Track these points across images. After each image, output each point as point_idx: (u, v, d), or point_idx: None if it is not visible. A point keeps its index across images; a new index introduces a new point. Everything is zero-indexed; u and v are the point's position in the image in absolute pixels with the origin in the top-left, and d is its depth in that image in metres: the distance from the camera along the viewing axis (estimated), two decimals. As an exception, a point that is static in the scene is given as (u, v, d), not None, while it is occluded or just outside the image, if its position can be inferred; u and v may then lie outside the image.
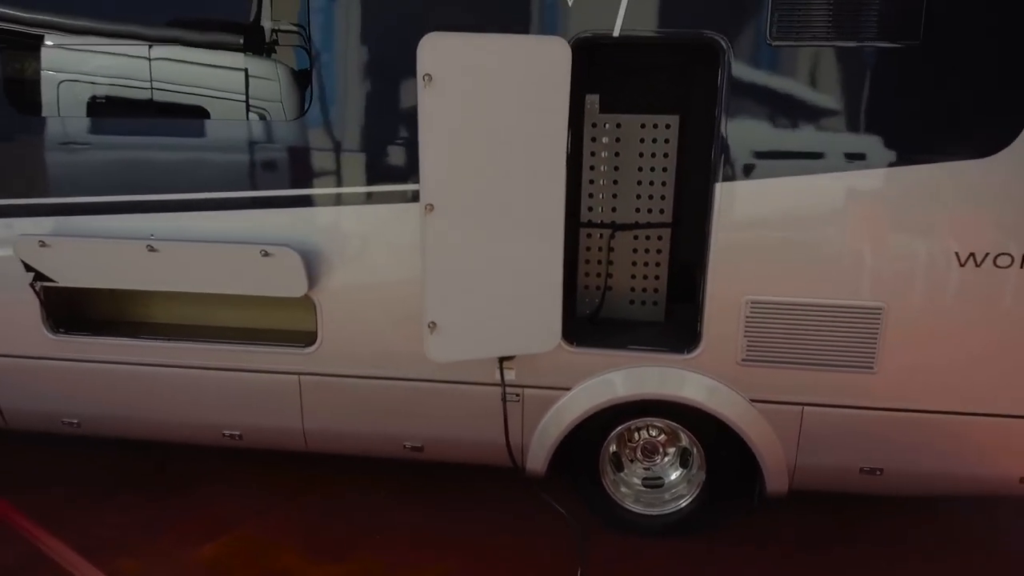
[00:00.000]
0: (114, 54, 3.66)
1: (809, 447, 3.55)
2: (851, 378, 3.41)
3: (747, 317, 3.38)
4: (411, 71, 3.02)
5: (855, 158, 3.19)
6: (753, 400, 3.51)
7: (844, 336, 3.35)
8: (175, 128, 3.61)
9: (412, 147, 3.32)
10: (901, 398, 3.42)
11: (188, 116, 3.62)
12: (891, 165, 3.17)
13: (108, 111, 3.71)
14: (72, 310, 4.04)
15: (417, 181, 3.18)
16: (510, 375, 3.60)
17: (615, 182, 3.90)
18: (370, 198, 3.52)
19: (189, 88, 3.64)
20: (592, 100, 3.79)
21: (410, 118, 3.32)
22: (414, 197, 3.40)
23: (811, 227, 3.27)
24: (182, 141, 3.59)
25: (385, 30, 3.37)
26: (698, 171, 3.63)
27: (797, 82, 3.17)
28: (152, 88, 3.63)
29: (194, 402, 3.93)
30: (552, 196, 3.23)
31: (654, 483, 3.95)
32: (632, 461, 3.97)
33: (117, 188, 3.65)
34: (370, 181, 3.51)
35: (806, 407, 3.49)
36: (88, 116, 3.71)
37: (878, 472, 3.54)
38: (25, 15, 3.62)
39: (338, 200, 3.56)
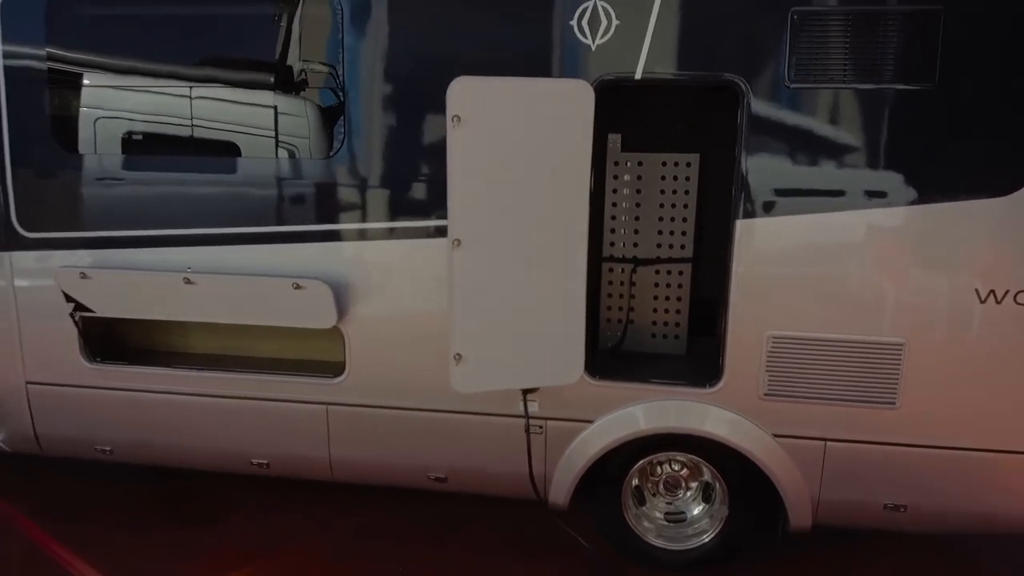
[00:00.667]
0: (152, 92, 3.83)
1: (832, 482, 3.55)
2: (873, 413, 3.42)
3: (769, 352, 3.42)
4: (437, 111, 3.13)
5: (874, 196, 3.25)
6: (776, 435, 3.53)
7: (866, 372, 3.38)
8: (212, 165, 3.76)
9: (436, 184, 3.44)
10: (924, 434, 3.42)
11: (223, 154, 3.77)
12: (910, 203, 3.23)
13: (145, 148, 3.87)
14: (108, 340, 4.17)
15: (440, 216, 3.27)
16: (533, 407, 3.64)
17: (636, 218, 3.99)
18: (395, 233, 3.63)
19: (223, 126, 3.79)
20: (614, 139, 3.90)
21: (434, 157, 3.45)
22: (437, 232, 3.51)
23: (831, 263, 3.33)
24: (219, 177, 3.73)
25: (413, 74, 3.51)
26: (718, 208, 3.71)
27: (815, 122, 3.25)
28: (188, 126, 3.78)
29: (224, 430, 4.02)
30: (575, 232, 3.31)
31: (676, 517, 3.95)
32: (654, 495, 3.98)
33: (155, 222, 3.80)
34: (396, 216, 3.62)
35: (829, 442, 3.50)
36: (127, 153, 3.87)
37: (902, 509, 3.53)
38: (70, 55, 3.81)
39: (365, 235, 3.67)
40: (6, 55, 3.83)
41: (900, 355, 3.34)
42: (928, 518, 3.56)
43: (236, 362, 4.03)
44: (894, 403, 3.39)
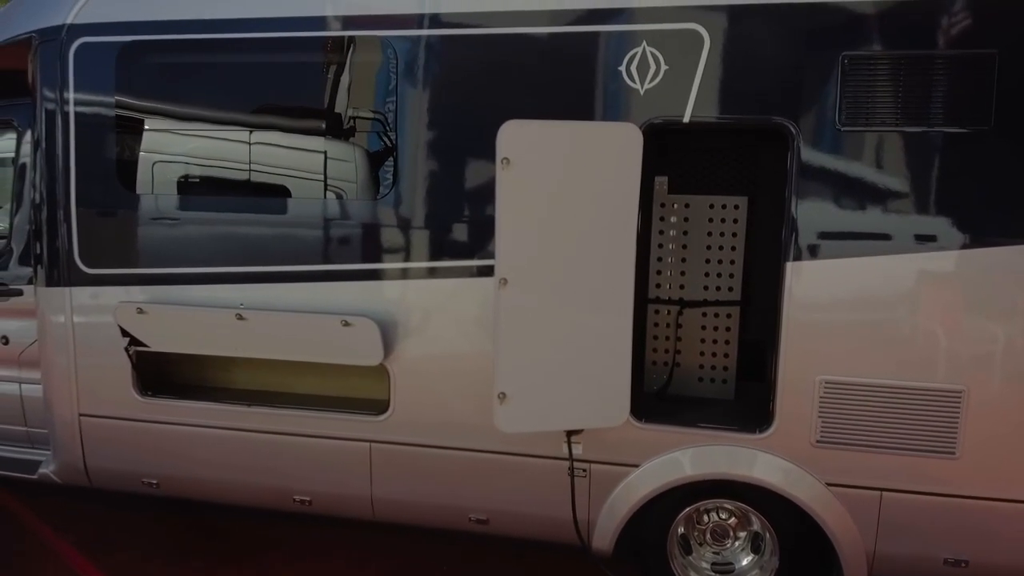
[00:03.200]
0: (210, 137, 3.98)
1: (889, 534, 3.41)
2: (932, 463, 3.30)
3: (821, 397, 3.34)
4: (486, 155, 3.19)
5: (927, 240, 3.19)
6: (829, 483, 3.42)
7: (923, 420, 3.28)
8: (265, 206, 3.87)
9: (482, 225, 3.49)
10: (985, 485, 3.29)
11: (275, 195, 3.88)
12: (964, 247, 3.17)
13: (200, 189, 4.01)
14: (158, 375, 4.26)
15: (484, 256, 3.31)
16: (577, 449, 3.60)
17: (683, 260, 3.98)
18: (441, 272, 3.67)
19: (277, 169, 3.91)
20: (661, 181, 3.92)
21: (479, 199, 3.53)
22: (481, 272, 3.55)
23: (884, 308, 3.26)
24: (271, 218, 3.84)
25: (462, 119, 3.59)
26: (767, 250, 3.69)
27: (866, 165, 3.23)
28: (244, 169, 3.90)
29: (268, 466, 4.05)
30: (622, 273, 3.32)
31: (724, 568, 3.83)
32: (701, 544, 3.87)
33: (209, 260, 3.90)
34: (442, 256, 3.67)
35: (885, 492, 3.38)
36: (183, 194, 4.01)
37: (963, 564, 3.37)
38: (134, 102, 3.99)
39: (412, 274, 3.72)
40: (77, 102, 4.03)
41: (959, 403, 3.23)
42: (990, 574, 3.39)
43: (281, 398, 4.08)
44: (954, 452, 3.27)
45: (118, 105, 4.01)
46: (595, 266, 3.30)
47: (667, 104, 3.36)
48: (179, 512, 4.70)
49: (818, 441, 3.38)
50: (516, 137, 3.17)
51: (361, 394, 4.03)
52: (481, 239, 3.57)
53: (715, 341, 4.00)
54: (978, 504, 3.30)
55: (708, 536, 3.86)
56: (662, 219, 3.97)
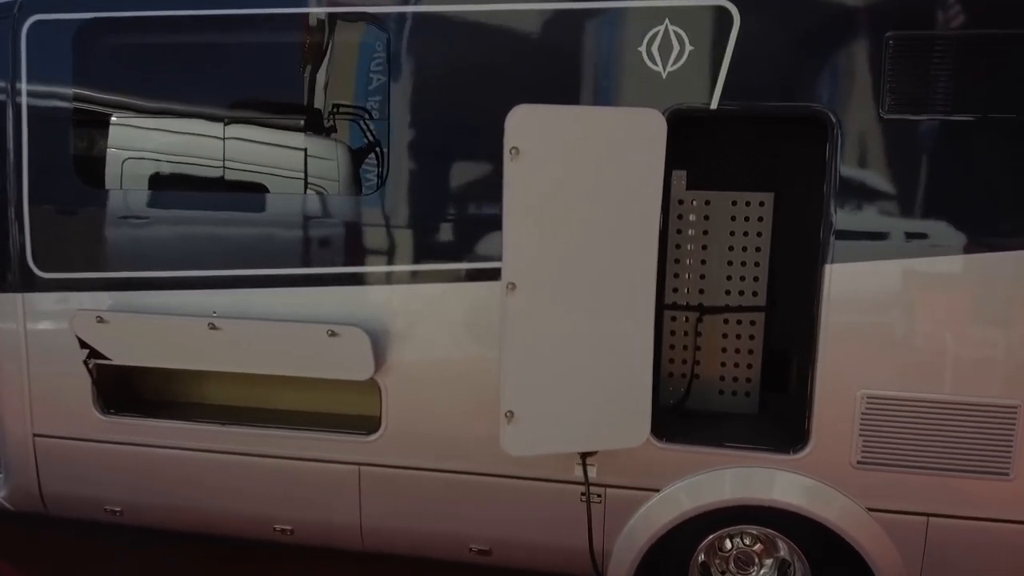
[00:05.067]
0: (180, 128, 3.58)
1: (936, 564, 3.11)
2: (984, 485, 3.01)
3: (863, 414, 3.03)
4: (495, 143, 2.84)
5: (982, 238, 2.90)
6: (871, 509, 3.10)
7: (975, 438, 2.98)
8: (242, 203, 3.48)
9: (492, 224, 3.13)
10: (1043, 510, 2.99)
11: (253, 192, 3.49)
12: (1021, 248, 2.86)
13: (169, 185, 3.60)
14: (123, 389, 3.84)
15: (493, 259, 2.97)
16: (592, 472, 3.25)
17: (703, 262, 3.65)
18: (441, 276, 3.31)
19: (254, 164, 3.51)
20: (679, 176, 3.60)
21: (489, 194, 3.17)
22: (482, 275, 3.21)
23: (934, 315, 2.96)
24: (249, 216, 3.45)
25: (464, 106, 3.24)
26: (796, 251, 3.38)
27: (914, 156, 2.92)
28: (219, 163, 3.51)
29: (245, 492, 3.65)
30: (643, 276, 2.98)
31: (749, 599, 3.51)
32: (723, 573, 3.53)
33: (179, 263, 3.50)
34: (442, 258, 3.31)
35: (932, 518, 3.07)
36: (152, 189, 3.60)
37: (1018, 597, 3.07)
38: (94, 88, 3.59)
39: (408, 278, 3.35)
40: (31, 87, 3.61)
41: (1015, 419, 2.93)
42: (1048, 608, 3.09)
43: (260, 415, 3.68)
44: (1007, 473, 2.97)
45: (76, 91, 3.61)
46: (613, 269, 2.96)
47: (692, 89, 3.03)
48: (147, 542, 4.26)
49: (859, 462, 3.07)
50: (526, 124, 2.82)
51: (350, 411, 3.65)
52: (486, 239, 3.22)
53: (737, 350, 3.68)
54: (1033, 530, 3.01)
55: (731, 564, 3.52)
56: (680, 217, 3.64)
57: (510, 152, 2.81)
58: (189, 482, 3.70)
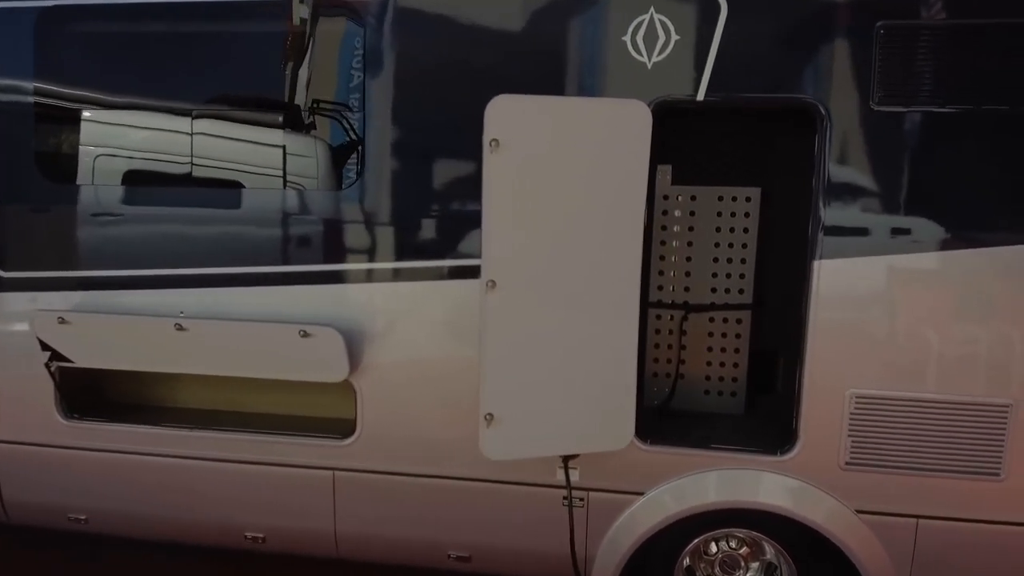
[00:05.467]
0: (147, 121, 3.43)
1: (926, 567, 3.04)
2: (975, 486, 2.94)
3: (852, 414, 2.95)
4: (475, 135, 2.73)
5: (975, 233, 2.82)
6: (860, 511, 3.03)
7: (965, 437, 2.91)
8: (211, 199, 3.33)
9: (470, 220, 3.02)
10: (1034, 511, 2.93)
11: (222, 187, 3.35)
12: (1016, 243, 2.79)
13: (135, 180, 3.44)
14: (88, 393, 3.68)
15: (467, 255, 2.90)
16: (574, 475, 3.15)
17: (688, 259, 3.56)
18: (418, 274, 3.19)
19: (225, 158, 3.37)
20: (664, 171, 3.50)
21: (465, 189, 3.07)
22: (461, 273, 3.10)
23: (925, 312, 2.88)
24: (218, 213, 3.30)
25: (442, 97, 3.12)
26: (783, 248, 3.31)
27: (906, 149, 2.84)
28: (188, 157, 3.36)
29: (215, 499, 3.51)
30: (627, 274, 2.89)
31: (735, 604, 3.42)
32: (709, 577, 3.46)
33: (145, 261, 3.35)
34: (420, 256, 3.19)
35: (921, 520, 3.01)
36: (119, 185, 3.44)
37: (1009, 599, 3.02)
38: (57, 78, 3.43)
39: (384, 276, 3.23)
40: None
41: (1006, 418, 2.87)
42: (1039, 610, 3.04)
43: (231, 419, 3.54)
44: (999, 474, 2.91)
45: (38, 81, 3.44)
46: (597, 266, 2.86)
47: (678, 80, 2.93)
48: (113, 549, 4.10)
49: (847, 463, 3.00)
50: (507, 114, 2.70)
51: (326, 414, 3.52)
52: (466, 236, 3.10)
53: (723, 349, 3.60)
54: (1023, 531, 2.95)
55: (716, 568, 3.44)
56: (665, 213, 3.54)
57: (490, 144, 2.70)
58: (156, 489, 3.55)
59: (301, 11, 3.19)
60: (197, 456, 3.48)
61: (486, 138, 2.69)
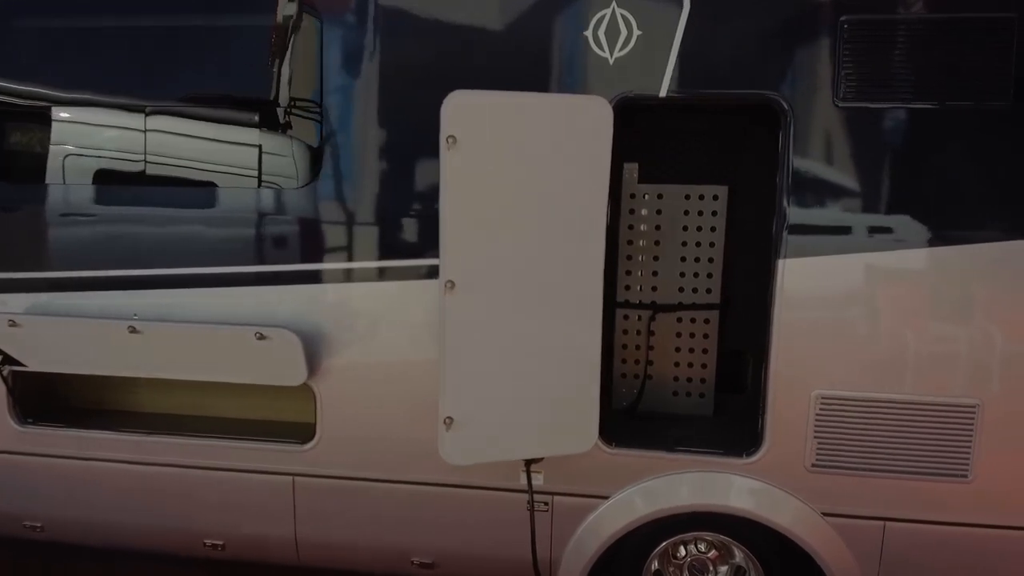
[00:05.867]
0: (97, 118, 3.33)
1: (893, 569, 3.00)
2: (942, 488, 2.91)
3: (817, 415, 2.91)
4: (431, 132, 2.66)
5: (941, 231, 2.78)
6: (825, 513, 2.99)
7: (932, 439, 2.87)
8: (167, 197, 3.24)
9: (429, 219, 2.96)
10: (1002, 512, 2.90)
11: (176, 184, 3.26)
12: (983, 240, 2.76)
13: (86, 178, 3.33)
14: (43, 397, 3.58)
15: (428, 255, 2.81)
16: (538, 479, 3.09)
17: (656, 258, 3.52)
18: (379, 274, 3.12)
19: (177, 153, 3.27)
20: (630, 169, 3.45)
21: (424, 187, 3.02)
22: (422, 273, 3.03)
23: (891, 311, 2.85)
24: (170, 212, 3.22)
25: (401, 91, 3.05)
26: (751, 247, 3.27)
27: (870, 147, 2.80)
28: (139, 152, 3.26)
29: (173, 506, 3.42)
30: (590, 274, 2.83)
31: (704, 607, 3.37)
32: (678, 581, 3.40)
33: (98, 262, 3.26)
34: (380, 255, 3.11)
35: (888, 522, 2.97)
36: (63, 184, 3.33)
37: (976, 601, 2.98)
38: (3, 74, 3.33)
39: (343, 276, 3.15)
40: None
41: (973, 419, 2.83)
42: (1006, 613, 3.00)
43: (192, 423, 3.46)
44: (966, 475, 2.87)
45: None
46: (559, 265, 2.80)
47: (640, 76, 2.88)
48: (72, 557, 4.00)
49: (813, 465, 2.95)
50: (463, 111, 2.64)
51: (289, 417, 3.44)
52: (427, 235, 3.03)
53: (692, 350, 3.55)
54: (993, 534, 2.92)
55: (685, 572, 3.39)
56: (632, 212, 3.50)
57: (446, 141, 2.64)
58: (113, 495, 3.46)
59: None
60: (154, 462, 3.39)
61: (442, 135, 2.63)
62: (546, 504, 3.16)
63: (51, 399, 3.63)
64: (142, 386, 3.60)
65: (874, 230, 2.81)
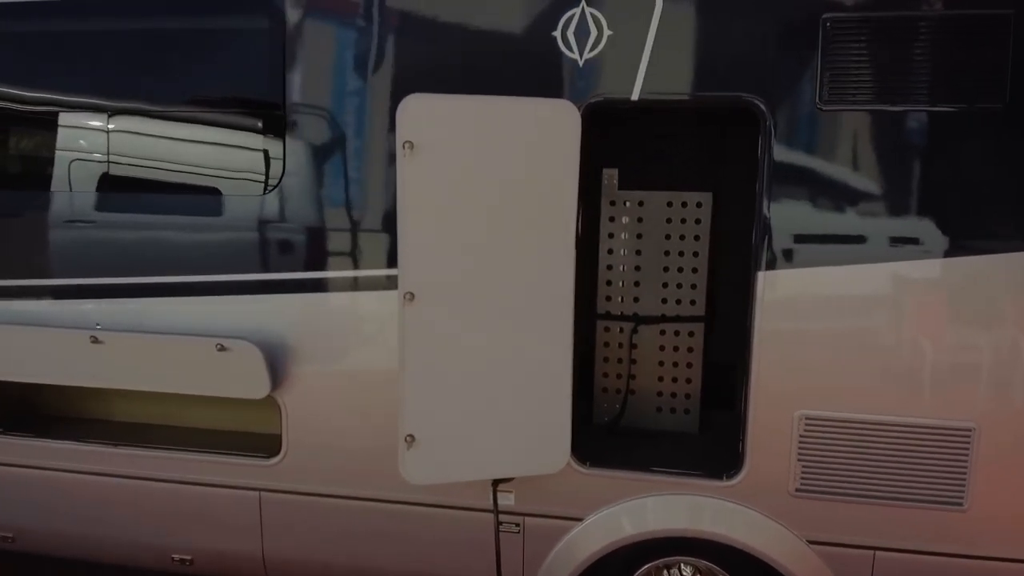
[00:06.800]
0: (53, 121, 3.26)
1: (883, 602, 2.82)
2: (935, 516, 2.72)
3: (801, 436, 2.74)
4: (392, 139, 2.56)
5: (932, 243, 2.60)
6: (811, 541, 2.81)
7: (925, 463, 2.69)
8: (127, 203, 3.18)
9: (393, 226, 2.85)
10: (999, 543, 2.71)
11: (145, 190, 3.19)
12: (979, 252, 2.58)
13: (42, 183, 3.27)
14: (11, 406, 3.54)
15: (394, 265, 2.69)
16: (507, 500, 2.97)
17: (637, 268, 3.38)
18: (347, 283, 3.01)
19: (137, 157, 3.19)
20: (610, 175, 3.32)
21: (390, 194, 2.89)
22: (389, 283, 2.93)
23: (879, 328, 2.67)
24: (134, 218, 3.15)
25: (362, 95, 2.94)
26: (736, 257, 3.12)
27: (855, 152, 2.63)
28: (102, 154, 3.20)
29: (140, 519, 3.35)
30: (559, 285, 2.70)
31: (685, 636, 3.21)
32: (658, 607, 3.24)
33: (60, 270, 3.21)
34: (347, 264, 3.01)
35: (878, 552, 2.78)
36: (20, 189, 3.30)
37: (972, 638, 2.79)
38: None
39: (311, 285, 3.05)
40: None
41: (968, 443, 2.64)
42: (1007, 651, 2.80)
43: (161, 433, 3.39)
44: (961, 503, 2.68)
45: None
46: (525, 277, 2.68)
47: (612, 78, 2.74)
48: (51, 569, 3.96)
49: (797, 490, 2.78)
50: (421, 115, 2.53)
51: (259, 429, 3.35)
52: (394, 243, 2.91)
53: (676, 364, 3.40)
54: (990, 566, 2.72)
55: (666, 598, 3.23)
56: (612, 220, 3.36)
57: (403, 147, 2.53)
58: (80, 507, 3.39)
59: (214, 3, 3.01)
60: (121, 474, 3.32)
61: (399, 140, 2.53)
62: (517, 525, 3.02)
63: (19, 407, 3.58)
64: (111, 394, 3.54)
65: (858, 240, 2.64)
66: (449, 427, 2.72)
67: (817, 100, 2.61)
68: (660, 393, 3.42)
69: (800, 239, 2.68)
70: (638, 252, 3.36)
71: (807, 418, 2.73)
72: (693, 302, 3.33)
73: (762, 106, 2.64)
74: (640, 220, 3.33)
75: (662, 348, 3.39)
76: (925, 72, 2.55)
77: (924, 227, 2.59)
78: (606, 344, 3.43)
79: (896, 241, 2.62)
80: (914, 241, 2.60)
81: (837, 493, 2.75)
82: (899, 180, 2.60)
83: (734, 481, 2.83)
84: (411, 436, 2.69)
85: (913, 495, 2.70)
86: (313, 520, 3.18)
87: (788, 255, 2.67)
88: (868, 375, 2.68)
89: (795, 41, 2.61)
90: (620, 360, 3.42)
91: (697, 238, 3.29)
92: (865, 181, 2.63)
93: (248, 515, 3.23)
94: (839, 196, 2.65)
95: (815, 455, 2.74)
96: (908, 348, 2.66)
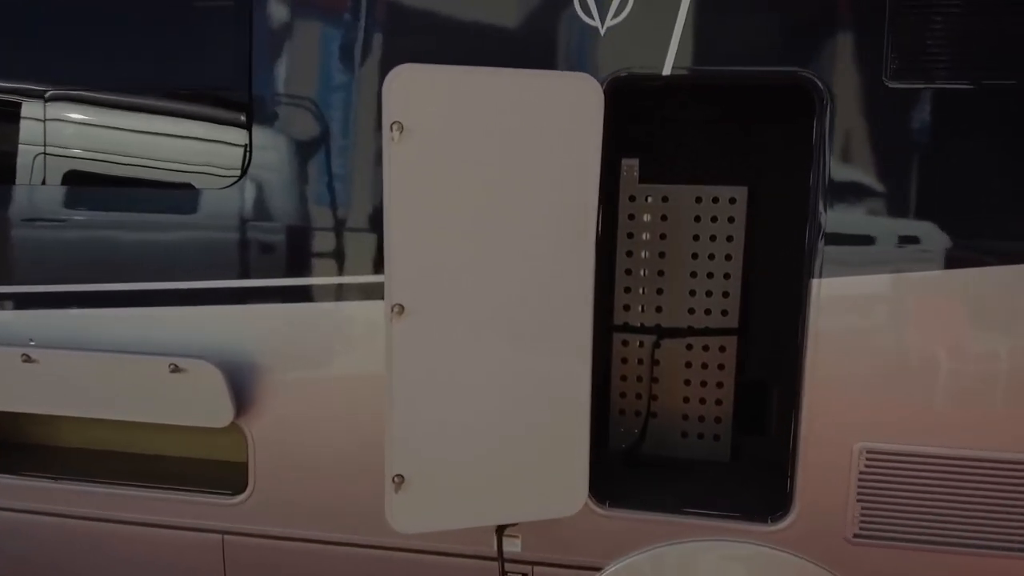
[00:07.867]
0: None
1: (954, 666, 2.42)
2: (1015, 565, 2.36)
3: (861, 473, 2.37)
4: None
5: (1013, 245, 2.21)
6: (872, 596, 2.42)
7: (1006, 505, 2.32)
8: (66, 199, 2.73)
9: (377, 229, 2.45)
10: (1091, 597, 2.32)
11: (77, 183, 2.74)
12: (1077, 255, 2.18)
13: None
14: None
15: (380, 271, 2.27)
16: (514, 546, 2.57)
17: (660, 273, 3.03)
18: (322, 293, 2.59)
19: (81, 146, 2.75)
20: (630, 166, 2.96)
21: (374, 193, 2.49)
22: (373, 293, 2.51)
23: (958, 347, 2.29)
24: (74, 216, 2.72)
25: (349, 71, 2.52)
26: (776, 260, 2.77)
27: (928, 136, 2.23)
28: (39, 144, 2.75)
29: (86, 564, 2.92)
30: (576, 293, 2.31)
31: None
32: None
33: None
34: (325, 270, 2.58)
35: (951, 608, 2.40)
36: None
37: None
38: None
39: (281, 295, 2.61)
40: None
41: (1058, 482, 2.26)
42: None
43: (110, 464, 2.95)
44: (1049, 551, 2.29)
45: None
46: (537, 285, 2.28)
47: (639, 50, 2.35)
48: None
49: (856, 535, 2.40)
50: (412, 91, 2.11)
51: (231, 458, 2.92)
52: (380, 245, 2.49)
53: (704, 383, 3.03)
54: (1082, 625, 2.33)
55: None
56: (631, 217, 3.01)
57: (391, 129, 2.11)
58: (18, 550, 2.95)
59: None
60: (63, 513, 2.88)
61: (386, 121, 2.11)
62: (525, 575, 2.61)
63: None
64: (52, 416, 3.08)
65: (931, 242, 2.24)
66: (445, 465, 2.31)
67: (884, 76, 2.21)
68: (686, 416, 3.06)
69: (864, 240, 2.29)
70: (661, 255, 3.03)
71: (868, 451, 2.35)
72: (725, 312, 2.98)
73: (819, 83, 2.24)
74: (664, 218, 3.00)
75: (688, 365, 3.05)
76: (1006, 45, 2.16)
77: (1017, 224, 2.19)
78: (624, 360, 3.07)
79: (980, 242, 2.24)
80: (1003, 241, 2.21)
81: (903, 539, 2.39)
82: (984, 167, 2.21)
83: (781, 525, 2.44)
84: (399, 476, 2.27)
85: (991, 541, 2.35)
86: (284, 568, 2.76)
87: (850, 260, 2.28)
88: (943, 402, 2.30)
89: (859, 11, 2.21)
90: (640, 378, 3.04)
91: (730, 239, 2.94)
92: (939, 171, 2.23)
93: (210, 559, 2.80)
94: (910, 187, 2.25)
95: (877, 495, 2.38)
96: (988, 370, 2.28)
